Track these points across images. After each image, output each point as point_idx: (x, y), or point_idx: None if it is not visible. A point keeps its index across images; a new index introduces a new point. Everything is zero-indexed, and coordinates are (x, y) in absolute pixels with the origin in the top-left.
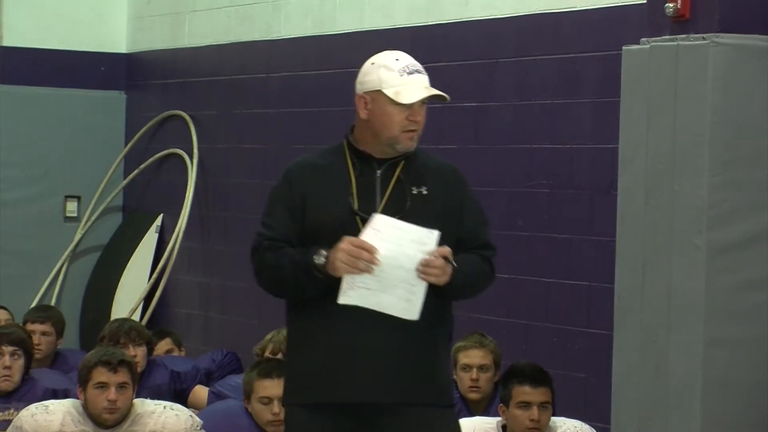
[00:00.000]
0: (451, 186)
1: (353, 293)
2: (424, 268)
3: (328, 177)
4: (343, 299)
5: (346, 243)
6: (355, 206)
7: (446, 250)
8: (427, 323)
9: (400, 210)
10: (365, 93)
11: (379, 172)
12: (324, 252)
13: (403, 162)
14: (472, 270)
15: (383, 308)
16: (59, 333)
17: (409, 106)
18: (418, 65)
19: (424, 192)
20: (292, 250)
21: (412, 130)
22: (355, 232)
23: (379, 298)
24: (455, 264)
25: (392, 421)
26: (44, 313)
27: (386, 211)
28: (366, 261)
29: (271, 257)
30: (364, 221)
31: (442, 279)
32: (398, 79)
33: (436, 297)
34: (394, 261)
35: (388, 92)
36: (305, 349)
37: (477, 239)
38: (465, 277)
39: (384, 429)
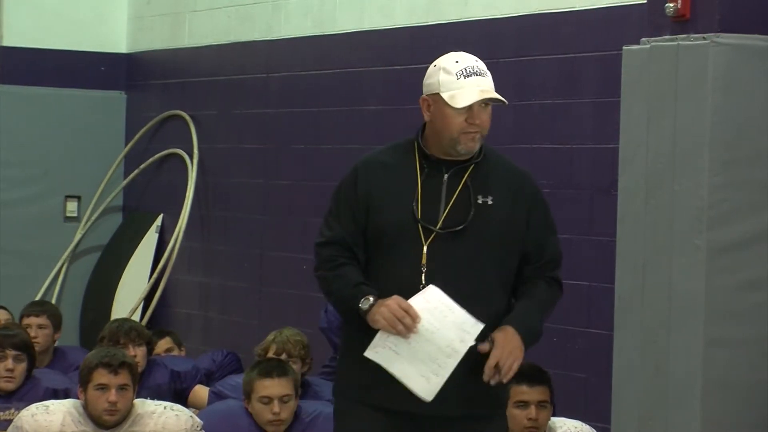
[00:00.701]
0: (518, 195)
1: (381, 351)
2: (499, 371)
3: (394, 178)
4: (369, 353)
5: (393, 301)
6: (419, 213)
7: (495, 360)
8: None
9: (462, 220)
10: (427, 95)
11: (446, 176)
12: (371, 299)
13: (472, 167)
14: (540, 311)
15: (402, 377)
16: (56, 326)
17: (468, 109)
18: (478, 67)
19: (490, 202)
20: (347, 273)
21: (473, 132)
22: (416, 239)
23: (403, 366)
24: (518, 330)
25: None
26: (40, 306)
27: (448, 220)
28: (405, 326)
29: (326, 275)
30: (426, 230)
31: (518, 361)
32: (455, 82)
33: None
34: (430, 336)
35: (445, 96)
36: (358, 352)
37: (542, 255)
38: (536, 327)
39: None
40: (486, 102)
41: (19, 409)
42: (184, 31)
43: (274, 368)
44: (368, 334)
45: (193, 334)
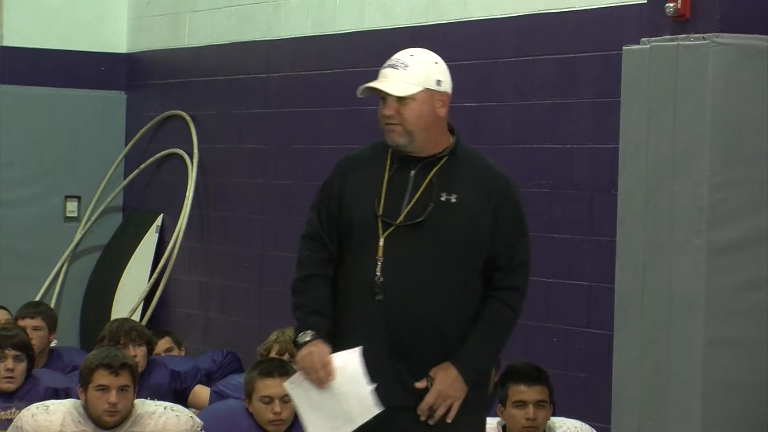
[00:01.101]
0: (488, 195)
1: (297, 388)
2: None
3: (366, 174)
4: (287, 384)
5: (317, 353)
6: (381, 208)
7: (426, 405)
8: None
9: (420, 215)
10: None
11: (413, 172)
12: (309, 336)
13: (440, 164)
14: (490, 344)
15: (306, 420)
16: (51, 328)
17: (382, 101)
18: (399, 59)
19: (453, 200)
20: (312, 293)
21: (388, 125)
22: (376, 233)
23: (309, 410)
24: (461, 370)
25: (408, 425)
26: (35, 308)
27: (409, 215)
28: (318, 379)
29: (297, 287)
30: (385, 224)
31: (456, 402)
32: (378, 73)
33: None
34: (338, 396)
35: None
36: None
37: (513, 258)
38: (483, 364)
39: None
40: (399, 97)
41: (20, 409)
42: (184, 31)
43: (275, 368)
44: (344, 338)
45: (193, 333)
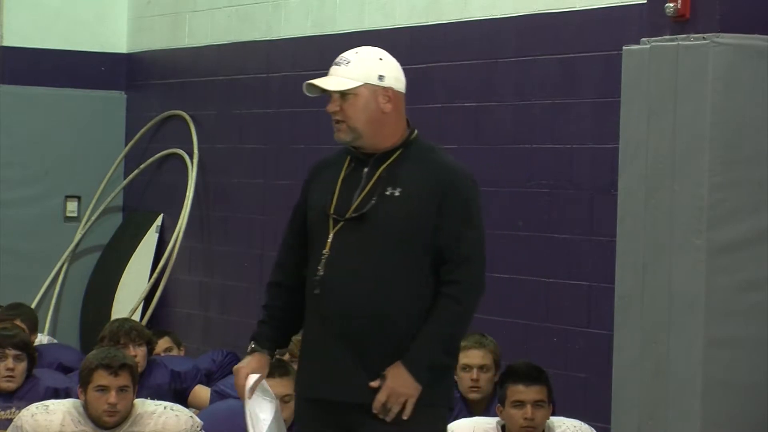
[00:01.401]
0: (432, 189)
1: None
2: (387, 411)
3: (327, 175)
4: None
5: (242, 370)
6: (333, 205)
7: (379, 404)
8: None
9: (360, 210)
10: None
11: (365, 169)
12: (250, 347)
13: (393, 157)
14: (442, 341)
15: (248, 421)
16: (32, 328)
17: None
18: (342, 57)
19: (396, 194)
20: (269, 301)
21: (335, 121)
22: (325, 231)
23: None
24: (411, 369)
25: (364, 419)
26: (14, 310)
27: (355, 211)
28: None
29: (266, 289)
30: (335, 220)
31: (411, 400)
32: None
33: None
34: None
35: None
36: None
37: (458, 250)
38: (437, 360)
39: (358, 428)
40: (343, 93)
41: (20, 409)
42: (185, 31)
43: (275, 368)
44: (304, 337)
45: (193, 333)
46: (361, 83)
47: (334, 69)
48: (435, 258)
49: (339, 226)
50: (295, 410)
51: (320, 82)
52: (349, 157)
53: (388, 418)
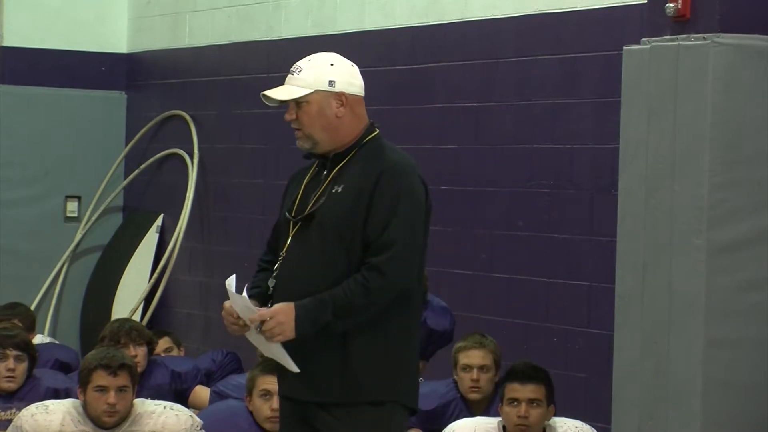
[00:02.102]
0: (367, 182)
1: (253, 337)
2: (263, 332)
3: (297, 178)
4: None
5: (224, 309)
6: (294, 208)
7: (258, 316)
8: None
9: (310, 210)
10: None
11: (325, 172)
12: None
13: (347, 159)
14: (332, 305)
15: (276, 358)
16: (29, 328)
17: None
18: (296, 65)
19: (339, 190)
20: (256, 279)
21: (294, 129)
22: (285, 234)
23: (268, 350)
24: (297, 310)
25: (320, 415)
26: (11, 310)
27: (307, 211)
28: (231, 326)
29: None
30: (295, 224)
31: (284, 336)
32: None
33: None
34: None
35: None
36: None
37: (380, 237)
38: (319, 317)
39: (315, 423)
40: (297, 101)
41: (20, 409)
42: (185, 31)
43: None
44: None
45: (194, 334)
46: (312, 90)
47: (288, 78)
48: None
49: (296, 227)
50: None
51: (272, 92)
52: (316, 162)
53: (258, 332)
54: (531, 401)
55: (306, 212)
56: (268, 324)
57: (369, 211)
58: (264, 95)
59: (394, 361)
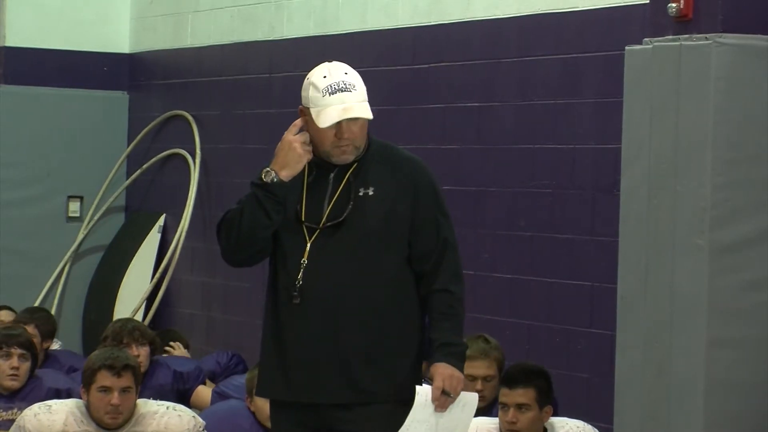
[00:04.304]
0: (401, 184)
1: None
2: (442, 402)
3: (291, 183)
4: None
5: (290, 134)
6: (303, 213)
7: (439, 391)
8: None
9: (341, 214)
10: (302, 106)
11: (331, 175)
12: (267, 170)
13: (356, 164)
14: (458, 326)
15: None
16: (45, 335)
17: (336, 125)
18: (345, 82)
19: (370, 193)
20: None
21: (343, 146)
22: (301, 238)
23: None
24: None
25: (342, 416)
26: (29, 314)
27: (330, 216)
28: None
29: (229, 216)
30: (310, 228)
31: (461, 382)
32: (321, 99)
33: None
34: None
35: (312, 113)
36: (265, 348)
37: (434, 244)
38: (463, 351)
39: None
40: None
41: (21, 409)
42: (187, 31)
43: None
44: (268, 346)
45: (196, 334)
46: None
47: (348, 96)
48: (419, 256)
49: (316, 234)
50: (270, 413)
51: (362, 113)
52: (308, 165)
53: (445, 406)
54: (519, 406)
55: (335, 219)
56: (450, 383)
57: (415, 212)
58: (348, 115)
59: (464, 350)
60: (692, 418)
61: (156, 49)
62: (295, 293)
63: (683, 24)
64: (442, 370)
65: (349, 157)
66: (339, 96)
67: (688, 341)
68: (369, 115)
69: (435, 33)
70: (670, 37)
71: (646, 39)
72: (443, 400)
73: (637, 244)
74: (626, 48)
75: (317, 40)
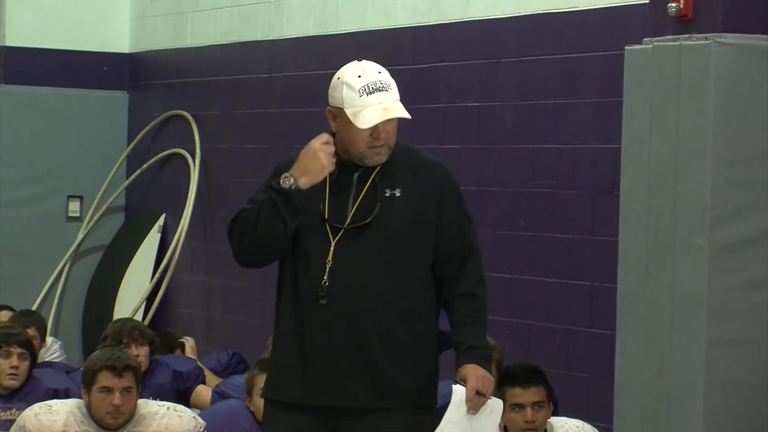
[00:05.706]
0: (427, 186)
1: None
2: (475, 403)
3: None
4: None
5: (317, 143)
6: (326, 212)
7: (473, 392)
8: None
9: (368, 215)
10: (332, 107)
11: (356, 175)
12: (287, 175)
13: (381, 164)
14: (484, 330)
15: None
16: (43, 336)
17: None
18: (381, 81)
19: (397, 194)
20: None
21: (378, 147)
22: (325, 238)
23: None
24: (480, 365)
25: (359, 420)
26: (27, 317)
27: (356, 217)
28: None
29: (243, 215)
30: (334, 228)
31: (492, 382)
32: (357, 99)
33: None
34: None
35: (348, 113)
36: (282, 348)
37: (458, 248)
38: (489, 354)
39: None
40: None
41: (20, 410)
42: (187, 31)
43: None
44: (286, 347)
45: (196, 334)
46: None
47: (386, 96)
48: (443, 258)
49: (340, 234)
50: (266, 415)
51: (401, 113)
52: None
53: (478, 407)
54: (535, 404)
55: (362, 221)
56: (483, 384)
57: (440, 215)
58: (389, 115)
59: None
60: (692, 418)
61: (156, 49)
62: (322, 293)
63: (683, 24)
64: (475, 371)
65: (383, 158)
66: (377, 96)
67: (688, 341)
68: (407, 115)
69: (435, 33)
70: (670, 37)
71: (645, 39)
72: (477, 400)
73: (637, 244)
74: (626, 48)
75: (317, 40)
